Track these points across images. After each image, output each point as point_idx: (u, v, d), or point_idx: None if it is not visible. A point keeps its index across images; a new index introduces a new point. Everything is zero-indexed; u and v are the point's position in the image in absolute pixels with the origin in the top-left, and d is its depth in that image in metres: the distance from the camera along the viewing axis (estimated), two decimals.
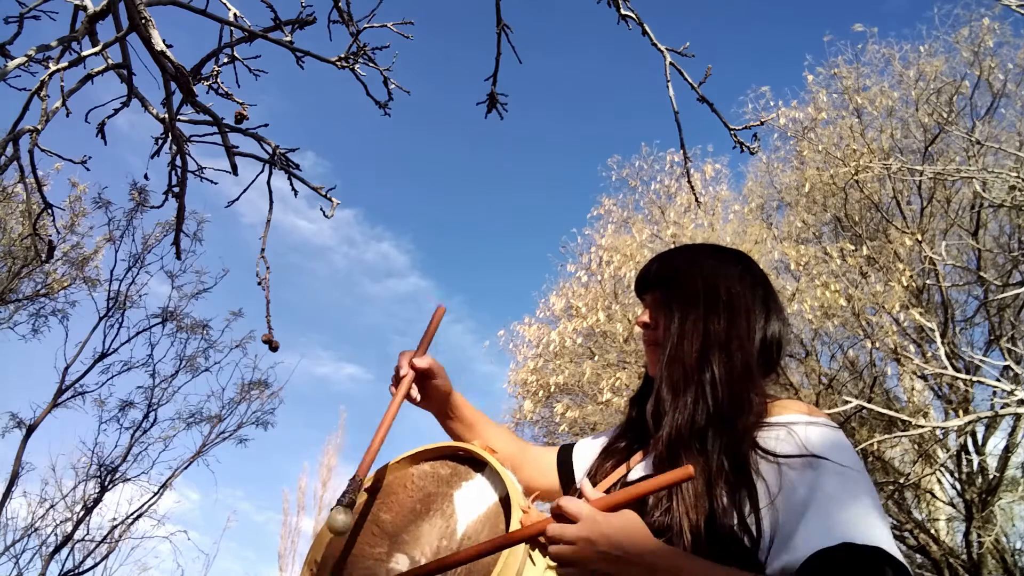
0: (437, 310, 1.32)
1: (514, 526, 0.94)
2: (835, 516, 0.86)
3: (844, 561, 0.82)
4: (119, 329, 8.72)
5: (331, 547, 1.12)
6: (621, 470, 1.11)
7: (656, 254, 1.23)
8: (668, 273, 1.17)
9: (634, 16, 2.05)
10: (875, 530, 0.84)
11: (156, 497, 8.67)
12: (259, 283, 2.06)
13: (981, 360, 5.68)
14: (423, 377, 1.25)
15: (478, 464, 1.11)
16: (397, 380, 1.22)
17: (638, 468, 1.10)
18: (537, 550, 1.01)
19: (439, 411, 1.31)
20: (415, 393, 1.27)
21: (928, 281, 8.29)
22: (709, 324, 1.07)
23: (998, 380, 5.44)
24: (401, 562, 1.03)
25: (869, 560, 0.82)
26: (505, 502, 1.03)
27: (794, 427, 0.96)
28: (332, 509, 1.03)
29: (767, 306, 1.11)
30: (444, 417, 1.32)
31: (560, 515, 0.89)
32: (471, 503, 1.06)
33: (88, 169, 2.28)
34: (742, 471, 0.94)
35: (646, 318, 1.17)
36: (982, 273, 7.91)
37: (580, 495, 0.92)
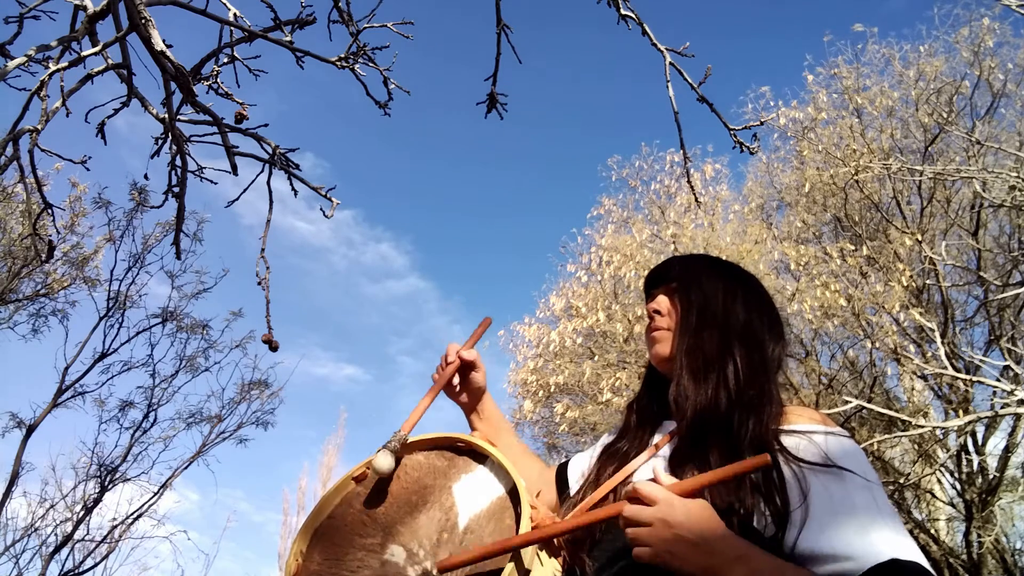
0: (484, 320, 1.40)
1: (524, 521, 0.94)
2: (875, 533, 0.88)
3: None
4: (119, 329, 8.71)
5: (318, 537, 1.11)
6: (624, 471, 1.11)
7: (674, 256, 1.26)
8: (690, 270, 1.20)
9: (634, 16, 2.05)
10: (912, 547, 0.88)
11: (156, 497, 8.66)
12: (259, 283, 2.06)
13: (981, 360, 5.67)
14: (464, 368, 1.31)
15: (478, 456, 1.10)
16: (444, 367, 1.29)
17: (651, 462, 1.10)
18: (544, 550, 1.00)
19: (470, 406, 1.36)
20: (455, 380, 1.32)
21: (928, 281, 8.29)
22: (729, 318, 1.11)
23: (998, 380, 5.43)
24: (397, 553, 1.02)
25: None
26: (513, 495, 1.02)
27: (814, 436, 0.99)
28: (378, 451, 1.07)
29: (771, 327, 1.15)
30: (473, 412, 1.36)
31: (636, 498, 0.90)
32: (473, 496, 1.05)
33: (88, 169, 2.28)
34: (771, 464, 0.95)
35: (657, 306, 1.19)
36: (982, 273, 7.91)
37: (655, 480, 0.92)
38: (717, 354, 1.07)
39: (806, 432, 0.99)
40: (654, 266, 1.27)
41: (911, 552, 0.87)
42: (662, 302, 1.19)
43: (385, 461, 1.07)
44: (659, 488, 0.89)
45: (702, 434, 1.02)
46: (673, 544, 0.85)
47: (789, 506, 0.92)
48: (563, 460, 1.39)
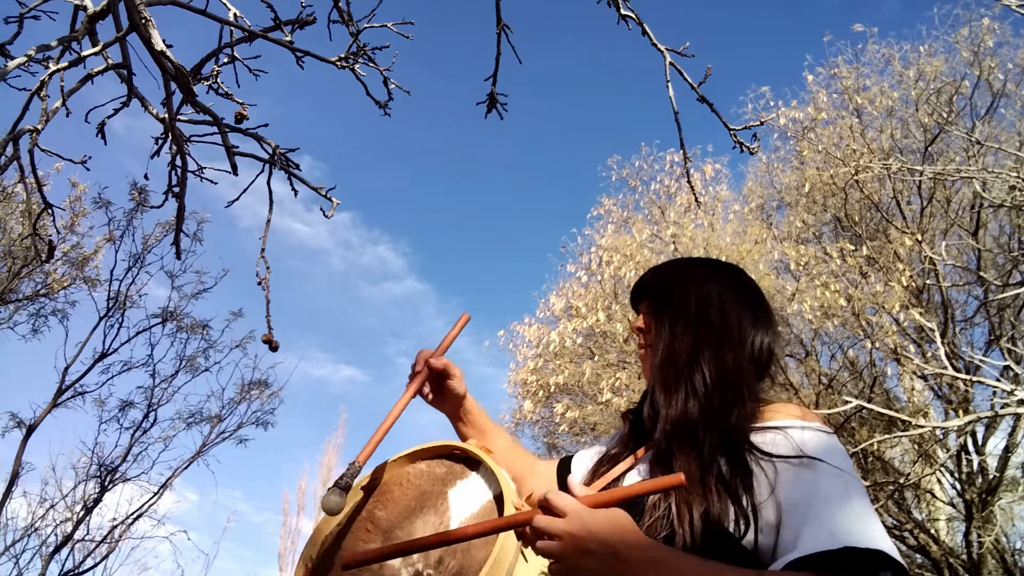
0: (462, 316, 1.36)
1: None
2: (835, 519, 0.87)
3: (846, 564, 0.84)
4: (119, 329, 8.71)
5: (326, 543, 1.14)
6: (613, 472, 1.13)
7: (651, 267, 1.26)
8: (661, 282, 1.21)
9: (634, 16, 2.05)
10: (874, 533, 0.86)
11: (156, 497, 8.66)
12: (259, 283, 2.06)
13: (981, 360, 5.67)
14: (439, 377, 1.28)
15: (473, 463, 1.13)
16: (413, 376, 1.26)
17: (635, 470, 1.11)
18: (530, 547, 1.01)
19: (452, 412, 1.33)
20: (427, 391, 1.29)
21: (928, 281, 8.29)
22: (700, 328, 1.11)
23: (998, 380, 5.43)
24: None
25: (870, 562, 0.84)
26: (499, 500, 1.05)
27: (789, 431, 0.98)
28: (328, 490, 1.07)
29: (756, 317, 1.14)
30: (456, 420, 1.34)
31: (547, 508, 0.87)
32: (465, 501, 1.08)
33: (88, 169, 2.28)
34: (738, 465, 0.95)
35: (640, 324, 1.21)
36: (982, 273, 7.91)
37: (568, 491, 0.90)
38: (686, 364, 1.08)
39: (782, 427, 0.99)
40: (635, 281, 1.27)
41: (875, 539, 0.85)
42: (642, 320, 1.21)
43: (334, 501, 1.06)
44: (570, 500, 0.86)
45: (670, 448, 1.02)
46: (582, 558, 0.82)
47: (757, 507, 0.91)
48: (565, 455, 1.38)
